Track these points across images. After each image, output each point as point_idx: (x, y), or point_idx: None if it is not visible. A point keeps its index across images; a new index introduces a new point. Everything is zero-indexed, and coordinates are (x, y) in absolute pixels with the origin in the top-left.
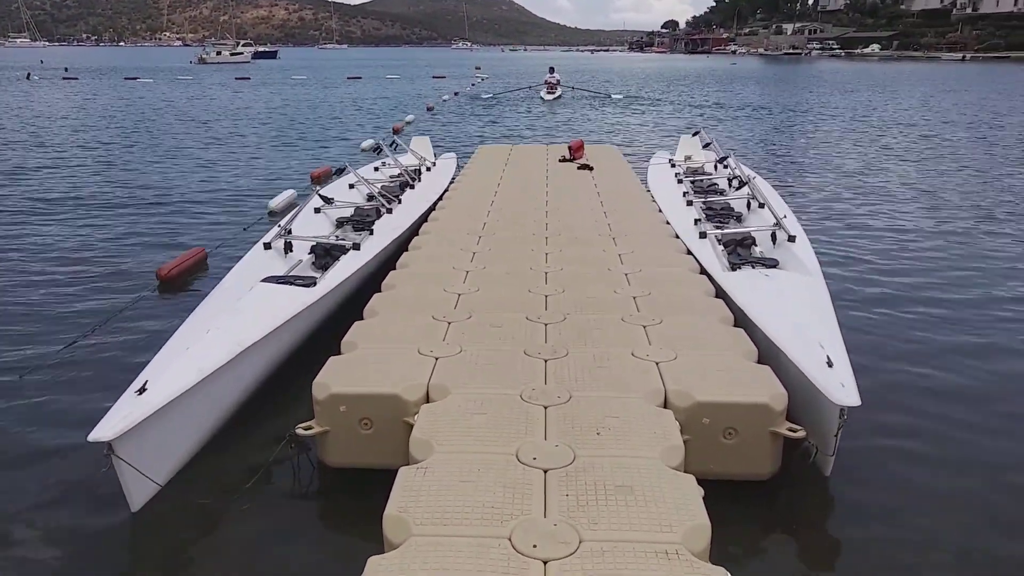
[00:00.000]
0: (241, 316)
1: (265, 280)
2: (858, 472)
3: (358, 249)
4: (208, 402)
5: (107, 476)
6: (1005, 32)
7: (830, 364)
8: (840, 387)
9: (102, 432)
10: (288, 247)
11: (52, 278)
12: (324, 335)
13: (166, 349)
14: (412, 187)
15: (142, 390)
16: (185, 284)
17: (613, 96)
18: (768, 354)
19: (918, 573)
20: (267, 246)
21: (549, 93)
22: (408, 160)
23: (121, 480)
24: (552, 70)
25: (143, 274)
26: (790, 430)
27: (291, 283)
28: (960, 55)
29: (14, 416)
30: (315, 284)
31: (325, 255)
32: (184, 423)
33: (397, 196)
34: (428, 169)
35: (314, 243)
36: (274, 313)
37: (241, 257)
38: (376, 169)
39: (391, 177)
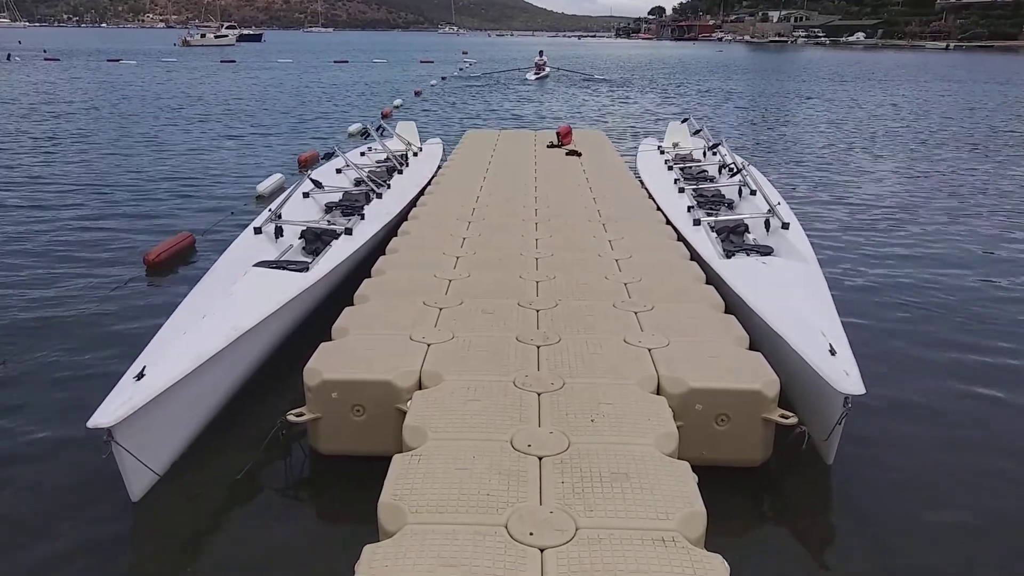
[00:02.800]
0: (237, 301)
1: (257, 265)
2: (856, 460)
3: (350, 234)
4: (205, 388)
5: (104, 463)
6: (988, 21)
7: (833, 352)
8: (844, 375)
9: (101, 418)
10: (278, 232)
11: (37, 262)
12: (316, 320)
13: (162, 334)
14: (400, 172)
15: (140, 375)
16: (173, 269)
17: (596, 77)
18: (768, 342)
19: (915, 560)
20: (257, 231)
21: (535, 74)
22: (395, 145)
23: (121, 468)
24: (541, 53)
25: (130, 259)
26: (782, 416)
27: (284, 268)
28: (944, 44)
29: (6, 402)
30: (308, 269)
31: (315, 240)
32: (182, 409)
33: (386, 181)
34: (415, 154)
35: (304, 228)
36: (269, 298)
37: (229, 241)
38: (363, 154)
39: (377, 162)
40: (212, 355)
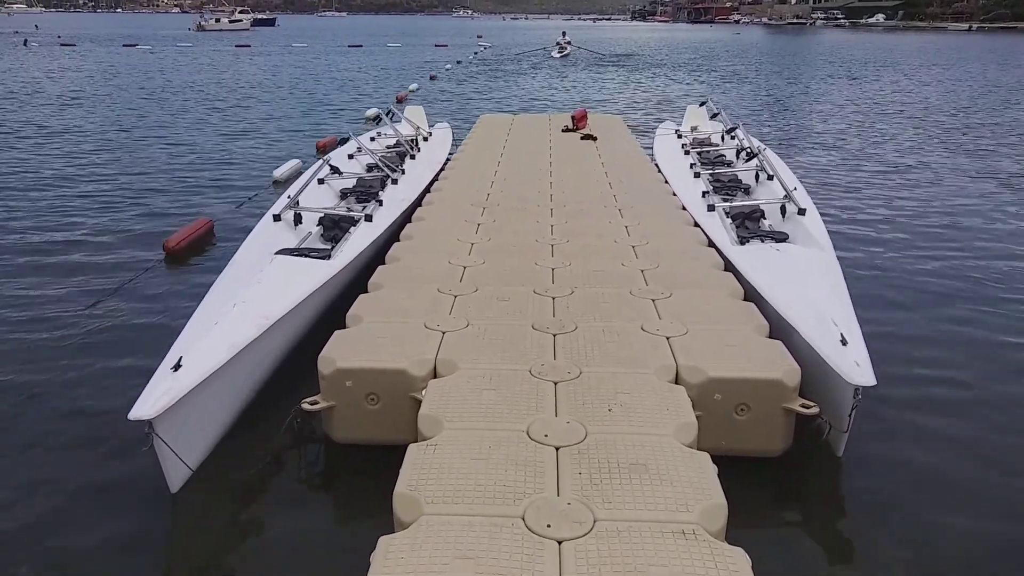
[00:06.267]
0: (264, 289)
1: (279, 253)
2: (870, 452)
3: (370, 220)
4: (238, 378)
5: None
6: (1012, 2)
7: (844, 342)
8: (855, 366)
9: (142, 410)
10: (297, 219)
11: (57, 250)
12: (337, 308)
13: (194, 324)
14: (412, 157)
15: (177, 366)
16: (193, 255)
17: (613, 55)
18: (779, 331)
19: (938, 551)
20: (276, 218)
21: (560, 52)
22: (405, 130)
23: (161, 460)
24: (564, 34)
25: (149, 245)
26: (803, 406)
27: (306, 255)
28: (966, 25)
29: (37, 389)
30: (330, 256)
31: (334, 227)
32: (217, 400)
33: (399, 166)
34: (424, 139)
35: (322, 215)
36: (296, 286)
37: (248, 227)
38: (372, 139)
39: (388, 147)
40: (246, 345)
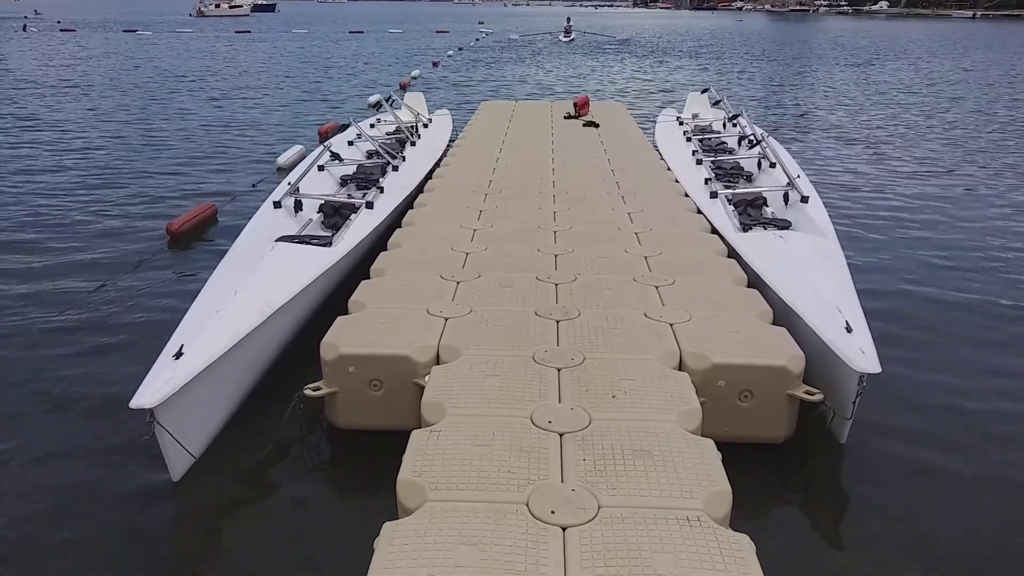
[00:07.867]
0: (265, 277)
1: (280, 239)
2: (874, 439)
3: (371, 207)
4: (240, 366)
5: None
6: None
7: (849, 329)
8: (860, 353)
9: (144, 399)
10: (298, 205)
11: (62, 233)
12: (338, 296)
13: (195, 311)
14: (413, 144)
15: (179, 354)
16: (195, 240)
17: (618, 38)
18: (783, 318)
19: (940, 539)
20: (276, 204)
21: (565, 36)
22: (405, 116)
23: (162, 449)
24: (569, 19)
25: (152, 229)
26: (807, 393)
27: (307, 242)
28: (971, 13)
29: (34, 374)
30: (331, 243)
31: (334, 214)
32: (219, 388)
33: (400, 153)
34: (424, 126)
35: (322, 201)
36: (297, 273)
37: (251, 212)
38: (372, 126)
39: (387, 134)
40: (247, 332)
